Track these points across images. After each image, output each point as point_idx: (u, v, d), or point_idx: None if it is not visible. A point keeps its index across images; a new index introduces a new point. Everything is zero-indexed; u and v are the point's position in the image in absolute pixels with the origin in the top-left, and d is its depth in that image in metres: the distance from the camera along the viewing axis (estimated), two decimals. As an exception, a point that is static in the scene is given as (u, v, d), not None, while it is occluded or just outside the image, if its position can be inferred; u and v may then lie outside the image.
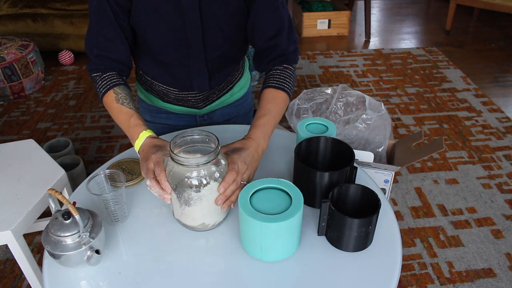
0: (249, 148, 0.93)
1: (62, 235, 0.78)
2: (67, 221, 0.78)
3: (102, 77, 1.05)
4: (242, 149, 0.92)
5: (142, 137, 0.93)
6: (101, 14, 1.01)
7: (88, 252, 0.79)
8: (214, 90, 1.25)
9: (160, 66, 1.16)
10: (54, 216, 0.81)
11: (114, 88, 1.03)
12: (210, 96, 1.26)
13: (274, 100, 1.04)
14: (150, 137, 0.94)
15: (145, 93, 1.30)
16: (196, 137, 0.88)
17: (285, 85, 1.07)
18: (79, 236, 0.78)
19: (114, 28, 1.02)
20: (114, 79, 1.04)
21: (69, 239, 0.78)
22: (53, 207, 0.83)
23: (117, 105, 1.00)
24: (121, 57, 1.06)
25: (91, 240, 0.79)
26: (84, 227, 0.79)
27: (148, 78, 1.24)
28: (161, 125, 1.33)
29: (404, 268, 1.70)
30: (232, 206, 0.88)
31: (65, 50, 3.34)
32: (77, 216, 0.77)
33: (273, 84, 1.06)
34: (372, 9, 4.41)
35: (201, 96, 1.24)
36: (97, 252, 0.79)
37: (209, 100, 1.27)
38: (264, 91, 1.06)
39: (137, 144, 0.94)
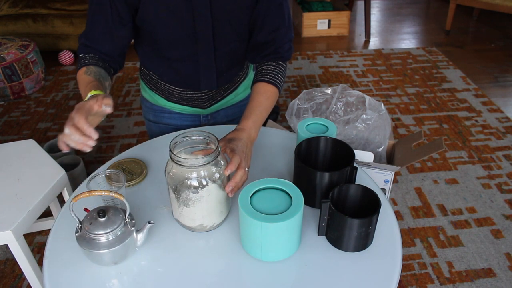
0: (243, 138, 0.95)
1: (110, 229, 0.79)
2: (103, 219, 0.79)
3: (83, 57, 1.05)
4: (236, 139, 0.94)
5: (87, 96, 0.88)
6: (98, 8, 1.01)
7: (138, 235, 0.82)
8: (219, 89, 1.25)
9: (167, 64, 1.16)
10: (88, 221, 0.80)
11: (89, 66, 1.02)
12: (215, 95, 1.27)
13: (266, 94, 1.07)
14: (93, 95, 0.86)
15: (149, 92, 1.30)
16: (197, 137, 0.88)
17: (277, 81, 1.10)
18: (124, 224, 0.81)
19: (108, 25, 1.02)
20: (93, 60, 1.04)
21: (119, 229, 0.80)
22: (76, 217, 0.81)
23: (84, 76, 0.99)
24: (107, 52, 1.06)
25: (133, 221, 0.82)
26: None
27: (153, 77, 1.24)
28: (164, 125, 1.33)
29: (404, 268, 1.70)
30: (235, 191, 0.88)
31: (65, 50, 3.34)
32: (124, 200, 0.80)
33: (266, 79, 1.09)
34: (372, 9, 4.41)
35: (206, 96, 1.25)
36: (150, 222, 0.83)
37: (214, 100, 1.28)
38: (257, 84, 1.09)
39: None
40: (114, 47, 1.06)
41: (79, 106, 0.79)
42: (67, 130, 0.76)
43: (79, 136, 0.75)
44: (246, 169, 0.90)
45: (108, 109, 0.78)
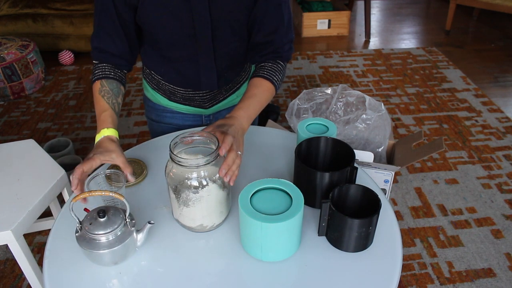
0: (233, 124, 0.93)
1: (110, 229, 0.79)
2: (103, 219, 0.79)
3: (97, 66, 1.08)
4: (226, 124, 0.92)
5: (101, 134, 0.96)
6: (103, 8, 1.03)
7: (138, 235, 0.82)
8: (221, 90, 1.25)
9: (168, 64, 1.16)
10: (88, 222, 0.80)
11: (102, 80, 1.05)
12: (217, 96, 1.26)
13: (260, 87, 1.07)
14: (106, 137, 0.95)
15: (151, 91, 1.30)
16: (197, 138, 0.88)
17: (274, 77, 1.09)
18: (124, 224, 0.81)
19: (114, 24, 1.04)
20: (106, 70, 1.07)
21: (119, 230, 0.79)
22: (76, 217, 0.81)
23: (98, 96, 1.04)
24: (119, 52, 1.08)
25: (133, 221, 0.82)
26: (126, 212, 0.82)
27: (155, 77, 1.24)
28: (166, 125, 1.33)
29: (404, 268, 1.70)
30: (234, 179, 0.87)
31: (65, 50, 3.34)
32: (124, 200, 0.80)
33: (262, 74, 1.08)
34: (372, 9, 4.41)
35: (208, 96, 1.25)
36: (150, 222, 0.82)
37: (216, 100, 1.28)
38: (253, 79, 1.08)
39: (96, 138, 0.98)
40: (124, 45, 1.08)
41: (87, 160, 0.89)
42: (75, 169, 0.89)
43: (73, 178, 0.88)
44: (239, 152, 0.88)
45: (132, 179, 0.93)
